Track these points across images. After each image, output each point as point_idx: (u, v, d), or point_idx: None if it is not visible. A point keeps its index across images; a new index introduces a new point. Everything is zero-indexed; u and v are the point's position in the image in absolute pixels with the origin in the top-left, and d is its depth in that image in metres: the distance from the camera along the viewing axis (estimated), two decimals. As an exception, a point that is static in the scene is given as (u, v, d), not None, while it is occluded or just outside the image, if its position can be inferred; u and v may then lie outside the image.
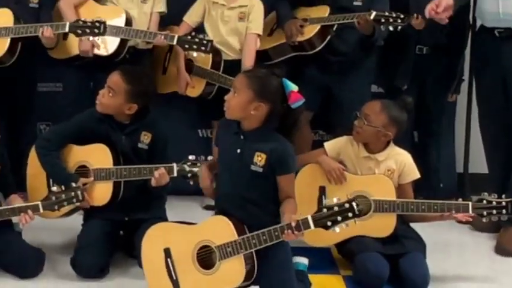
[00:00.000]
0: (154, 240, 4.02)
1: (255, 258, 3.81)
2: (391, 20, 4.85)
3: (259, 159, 3.86)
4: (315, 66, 5.21)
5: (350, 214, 3.57)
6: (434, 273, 4.36)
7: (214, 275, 3.83)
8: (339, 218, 3.58)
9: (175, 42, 4.95)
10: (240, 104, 3.85)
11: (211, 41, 4.94)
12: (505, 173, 4.98)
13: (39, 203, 4.31)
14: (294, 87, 3.85)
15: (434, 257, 4.59)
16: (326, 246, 4.61)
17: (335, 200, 3.62)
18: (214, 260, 3.84)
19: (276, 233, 3.68)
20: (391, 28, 4.89)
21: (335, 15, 5.10)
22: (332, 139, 4.83)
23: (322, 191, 4.47)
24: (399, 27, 4.88)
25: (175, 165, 4.42)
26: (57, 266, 4.54)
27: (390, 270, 4.28)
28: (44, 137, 4.73)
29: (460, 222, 4.48)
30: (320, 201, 4.44)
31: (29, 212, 4.28)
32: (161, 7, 5.31)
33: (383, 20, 4.87)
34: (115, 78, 4.50)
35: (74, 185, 4.35)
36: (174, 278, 3.92)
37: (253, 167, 3.86)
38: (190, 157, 4.43)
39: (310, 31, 5.13)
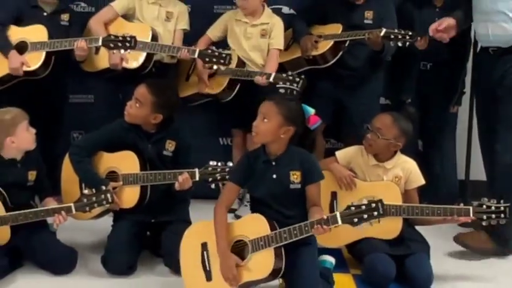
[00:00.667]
0: (193, 235, 4.10)
1: (283, 254, 3.87)
2: (400, 37, 4.89)
3: (295, 176, 3.97)
4: (327, 80, 5.26)
5: (376, 213, 3.69)
6: (437, 272, 4.39)
7: (245, 266, 3.89)
8: (365, 216, 3.71)
9: (196, 55, 4.98)
10: (271, 129, 3.94)
11: (230, 55, 4.95)
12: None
13: (71, 204, 4.36)
14: (312, 111, 3.99)
15: (437, 257, 4.63)
16: (337, 247, 4.61)
17: (364, 201, 3.74)
18: (246, 253, 3.91)
19: (306, 228, 3.78)
20: (400, 44, 4.93)
21: (347, 32, 5.14)
22: (343, 147, 4.90)
23: (333, 196, 4.51)
24: (407, 43, 4.93)
25: (197, 170, 4.45)
26: (88, 263, 4.58)
27: (397, 269, 4.31)
28: (77, 144, 4.76)
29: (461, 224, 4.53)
30: (331, 205, 4.49)
31: (63, 213, 4.33)
32: (184, 25, 5.33)
33: (392, 37, 4.91)
34: (141, 91, 4.55)
35: (104, 188, 4.40)
36: (208, 269, 3.99)
37: (292, 186, 3.97)
38: (211, 163, 4.44)
39: (324, 46, 5.18)
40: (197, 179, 4.45)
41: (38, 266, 4.50)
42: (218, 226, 3.98)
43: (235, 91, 5.26)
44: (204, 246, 4.03)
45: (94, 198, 4.36)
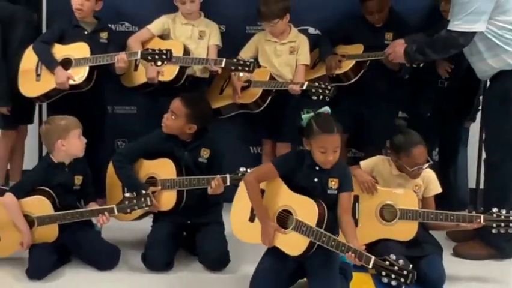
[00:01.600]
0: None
1: (314, 248, 3.95)
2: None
3: (333, 183, 4.05)
4: (349, 95, 5.28)
5: (403, 279, 3.68)
6: (449, 273, 4.40)
7: (284, 236, 4.01)
8: (393, 276, 3.70)
9: (223, 65, 5.03)
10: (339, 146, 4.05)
11: (254, 62, 5.00)
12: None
13: (114, 206, 4.45)
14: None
15: (449, 259, 4.66)
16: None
17: (401, 262, 3.73)
18: (288, 225, 4.01)
19: (343, 248, 3.82)
20: (415, 65, 4.97)
21: (368, 53, 5.17)
22: (363, 156, 4.97)
23: (356, 199, 4.49)
24: (422, 65, 4.96)
25: (228, 175, 4.52)
26: (130, 260, 4.64)
27: None
28: (119, 152, 4.82)
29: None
30: (353, 208, 4.45)
31: (106, 213, 4.42)
32: (217, 40, 5.36)
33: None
34: (176, 104, 4.62)
35: (144, 192, 4.46)
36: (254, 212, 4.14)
37: (329, 191, 4.04)
38: (242, 169, 4.50)
39: (347, 65, 5.21)
40: (228, 183, 4.51)
41: (84, 261, 4.56)
42: (254, 196, 4.10)
43: (267, 103, 5.28)
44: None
45: (134, 201, 4.43)
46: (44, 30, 5.47)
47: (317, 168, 4.05)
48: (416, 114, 5.55)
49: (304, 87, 5.03)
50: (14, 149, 5.52)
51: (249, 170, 4.43)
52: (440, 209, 4.51)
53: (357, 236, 3.90)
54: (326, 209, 3.97)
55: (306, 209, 3.98)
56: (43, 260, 4.41)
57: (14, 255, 4.53)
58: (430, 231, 4.60)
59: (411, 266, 3.74)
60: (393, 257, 3.76)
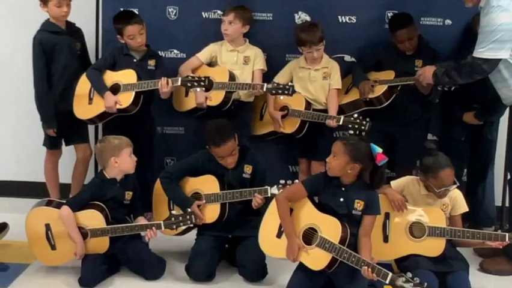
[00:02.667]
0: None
1: (337, 264, 3.95)
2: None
3: (359, 205, 4.05)
4: (382, 118, 5.17)
5: None
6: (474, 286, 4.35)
7: (307, 252, 4.02)
8: None
9: (265, 89, 5.00)
10: (339, 166, 4.05)
11: (293, 86, 4.95)
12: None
13: (161, 222, 4.47)
14: (379, 150, 4.02)
15: (476, 274, 4.59)
16: (387, 261, 4.47)
17: (416, 280, 3.69)
18: (313, 242, 4.01)
19: (362, 264, 3.83)
20: (446, 89, 4.88)
21: (400, 78, 5.10)
22: (395, 176, 4.88)
23: (386, 216, 4.43)
24: (453, 88, 4.87)
25: (268, 188, 4.50)
26: (175, 271, 4.64)
27: (439, 285, 4.25)
28: (167, 170, 4.84)
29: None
30: (384, 224, 4.42)
31: (153, 228, 4.43)
32: (261, 65, 5.30)
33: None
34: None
35: (189, 210, 4.48)
36: (281, 229, 4.17)
37: (354, 212, 4.05)
38: (281, 181, 4.49)
39: (379, 90, 5.14)
40: (269, 195, 4.49)
41: (132, 271, 4.59)
42: (283, 213, 4.13)
43: (305, 129, 5.24)
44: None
45: (180, 218, 4.46)
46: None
47: (343, 189, 4.08)
48: (447, 137, 5.43)
49: (340, 123, 4.99)
50: (77, 167, 5.52)
51: (288, 182, 4.43)
52: (468, 226, 4.44)
53: (369, 249, 3.96)
54: (348, 229, 3.99)
55: (331, 228, 4.00)
56: (95, 270, 4.45)
57: (68, 265, 4.57)
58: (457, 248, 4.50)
59: (426, 284, 3.71)
60: (409, 274, 3.73)
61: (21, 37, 5.49)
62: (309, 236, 4.06)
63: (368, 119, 4.87)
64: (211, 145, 4.56)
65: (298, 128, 5.21)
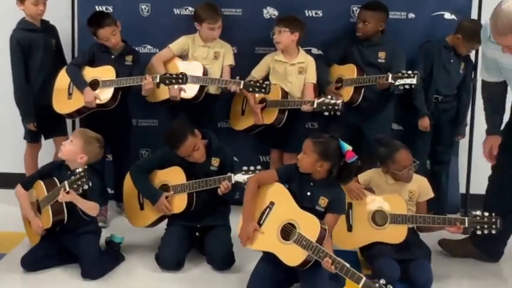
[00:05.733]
0: (270, 189, 3.94)
1: (311, 262, 3.71)
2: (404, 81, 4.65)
3: (323, 202, 3.84)
4: (347, 110, 4.88)
5: None
6: (437, 273, 4.16)
7: (284, 246, 3.76)
8: None
9: (241, 86, 4.83)
10: (309, 163, 3.84)
11: (269, 84, 4.79)
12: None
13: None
14: (348, 147, 3.80)
15: (437, 261, 4.40)
16: (352, 250, 4.36)
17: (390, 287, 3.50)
18: (291, 237, 3.75)
19: (337, 265, 3.57)
20: (401, 88, 4.70)
21: (362, 77, 4.89)
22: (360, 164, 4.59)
23: (349, 206, 4.24)
24: (413, 86, 4.67)
25: (232, 175, 4.30)
26: (145, 259, 4.42)
27: (401, 272, 4.06)
28: (136, 164, 4.60)
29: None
30: (347, 214, 4.24)
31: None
32: (230, 61, 5.12)
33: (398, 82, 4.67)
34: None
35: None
36: (261, 222, 3.87)
37: (317, 207, 3.83)
38: (244, 168, 4.30)
39: (348, 93, 4.93)
40: (233, 181, 4.29)
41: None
42: (248, 195, 3.92)
43: (286, 115, 5.00)
44: (271, 203, 3.89)
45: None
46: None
47: (311, 183, 3.86)
48: (409, 125, 5.20)
49: (314, 106, 4.77)
50: (55, 159, 5.23)
51: (251, 167, 4.28)
52: (432, 213, 4.30)
53: (331, 246, 3.76)
54: (327, 230, 3.73)
55: (309, 226, 3.74)
56: (34, 253, 4.24)
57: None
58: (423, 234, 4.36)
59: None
60: (383, 281, 3.51)
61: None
62: (288, 231, 3.80)
63: (341, 99, 4.68)
64: (173, 150, 4.38)
65: (277, 118, 4.99)
